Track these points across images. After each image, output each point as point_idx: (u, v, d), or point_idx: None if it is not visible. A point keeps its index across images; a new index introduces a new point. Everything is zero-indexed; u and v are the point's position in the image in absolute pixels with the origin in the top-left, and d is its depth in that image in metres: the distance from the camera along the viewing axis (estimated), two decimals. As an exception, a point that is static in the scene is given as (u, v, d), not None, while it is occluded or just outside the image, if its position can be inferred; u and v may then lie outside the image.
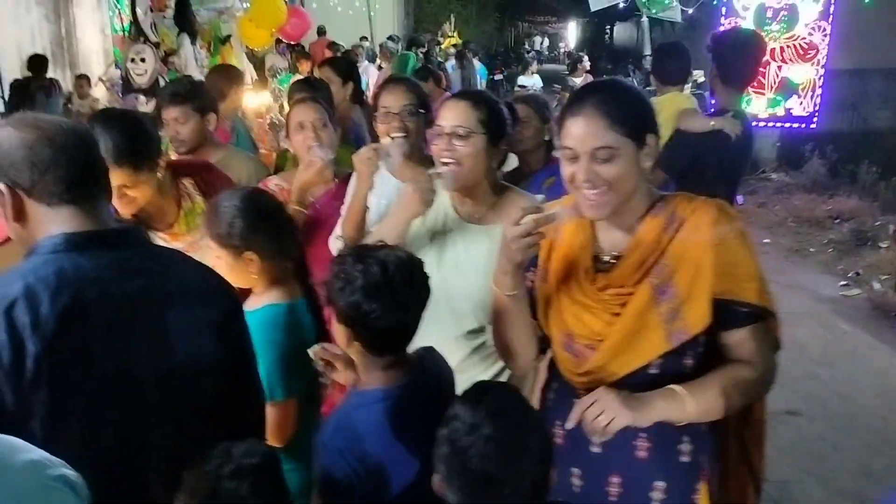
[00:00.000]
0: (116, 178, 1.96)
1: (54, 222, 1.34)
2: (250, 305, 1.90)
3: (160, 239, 2.26)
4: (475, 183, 2.02)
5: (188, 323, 1.43)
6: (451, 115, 2.00)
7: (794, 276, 6.19)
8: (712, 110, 3.68)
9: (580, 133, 1.54)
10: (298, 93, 3.73)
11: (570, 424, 1.48)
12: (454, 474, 1.25)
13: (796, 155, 9.12)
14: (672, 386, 1.52)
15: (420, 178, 2.02)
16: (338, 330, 1.57)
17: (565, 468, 1.64)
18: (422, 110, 2.38)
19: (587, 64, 12.42)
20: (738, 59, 3.39)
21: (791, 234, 7.38)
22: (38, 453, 0.92)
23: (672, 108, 3.64)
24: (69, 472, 0.93)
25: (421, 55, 12.50)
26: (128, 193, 2.09)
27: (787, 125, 8.33)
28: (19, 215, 1.35)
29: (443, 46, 16.50)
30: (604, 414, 1.45)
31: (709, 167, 3.29)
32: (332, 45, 10.02)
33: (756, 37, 3.76)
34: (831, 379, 4.44)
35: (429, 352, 1.70)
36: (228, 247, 1.89)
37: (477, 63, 11.91)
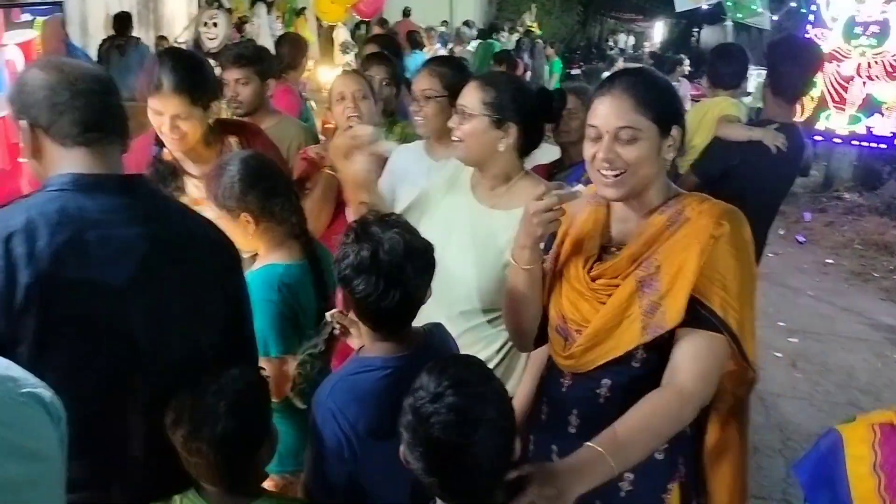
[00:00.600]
0: (172, 107, 2.20)
1: (66, 161, 1.39)
2: (253, 266, 1.98)
3: (194, 185, 2.35)
4: (478, 163, 2.06)
5: (186, 273, 1.47)
6: (461, 95, 2.07)
7: (852, 299, 5.97)
8: (757, 120, 3.53)
9: (606, 112, 1.56)
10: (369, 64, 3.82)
11: None
12: (417, 442, 1.27)
13: (873, 176, 8.74)
14: (596, 447, 1.41)
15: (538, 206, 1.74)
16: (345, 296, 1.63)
17: (546, 445, 1.68)
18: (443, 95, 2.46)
19: (686, 68, 11.95)
20: (790, 68, 3.22)
21: (856, 257, 7.09)
22: (15, 370, 0.94)
23: (716, 112, 3.53)
24: (44, 392, 0.95)
25: (505, 41, 12.50)
26: (180, 126, 2.22)
27: (867, 144, 7.99)
28: (36, 152, 1.42)
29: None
30: None
31: (743, 179, 3.12)
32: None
33: (812, 47, 3.58)
34: (872, 408, 4.27)
35: (437, 327, 1.73)
36: (224, 208, 1.97)
37: (552, 55, 11.78)
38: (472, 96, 2.04)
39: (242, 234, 1.97)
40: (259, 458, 1.52)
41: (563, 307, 1.67)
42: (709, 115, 3.61)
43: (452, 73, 2.52)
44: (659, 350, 1.55)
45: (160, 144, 2.36)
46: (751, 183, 3.10)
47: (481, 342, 2.06)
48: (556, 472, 1.35)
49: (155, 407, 1.41)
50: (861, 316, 5.68)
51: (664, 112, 1.56)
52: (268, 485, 1.66)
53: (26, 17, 4.08)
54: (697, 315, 1.52)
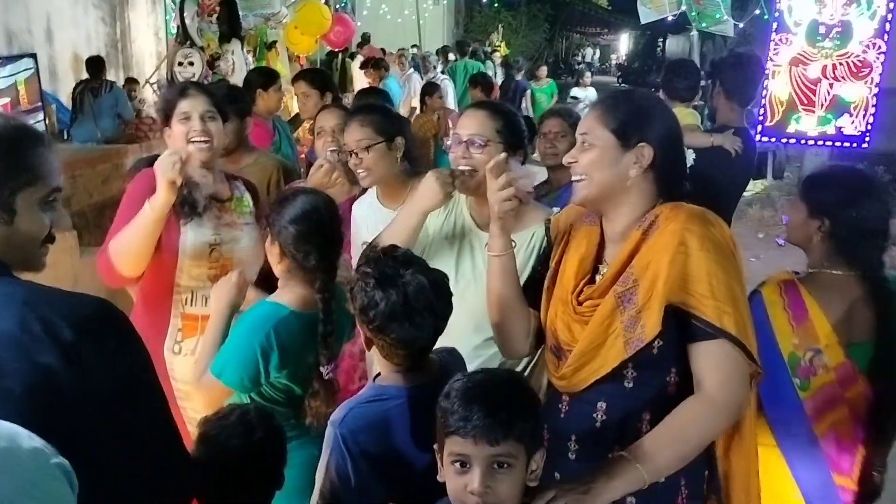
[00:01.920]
0: (200, 104, 2.37)
1: None
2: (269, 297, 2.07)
3: (216, 210, 2.45)
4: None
5: None
6: (469, 124, 2.05)
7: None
8: (712, 127, 3.77)
9: (584, 120, 1.72)
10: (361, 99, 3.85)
11: None
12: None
13: (846, 175, 8.85)
14: (623, 454, 1.50)
15: (441, 171, 2.07)
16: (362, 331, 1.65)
17: (549, 470, 1.66)
18: (380, 140, 2.40)
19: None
20: (742, 77, 3.56)
21: (836, 256, 7.17)
22: (38, 440, 0.92)
23: None
24: (64, 461, 0.92)
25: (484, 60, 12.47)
26: (209, 126, 2.37)
27: (838, 144, 8.11)
28: None
29: (493, 56, 16.52)
30: None
31: (708, 183, 3.24)
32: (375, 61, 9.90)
33: (756, 57, 3.90)
34: None
35: (451, 353, 1.77)
36: (266, 227, 2.07)
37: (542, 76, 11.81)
38: (483, 125, 2.04)
39: (273, 261, 2.04)
40: None
41: (557, 328, 1.69)
42: None
43: (381, 118, 2.47)
44: (651, 368, 1.57)
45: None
46: (714, 187, 3.22)
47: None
48: (585, 476, 1.45)
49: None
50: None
51: (627, 126, 1.63)
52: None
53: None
54: (693, 328, 1.53)
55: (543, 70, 11.96)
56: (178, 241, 2.36)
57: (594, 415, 1.63)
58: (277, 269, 2.05)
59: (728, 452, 1.66)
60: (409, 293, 1.53)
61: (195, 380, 2.03)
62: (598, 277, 1.68)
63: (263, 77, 4.31)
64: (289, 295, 2.01)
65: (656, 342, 1.55)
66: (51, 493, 0.87)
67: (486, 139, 2.00)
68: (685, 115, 3.83)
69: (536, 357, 2.04)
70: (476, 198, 2.10)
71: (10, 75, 4.31)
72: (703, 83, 4.49)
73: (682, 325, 1.54)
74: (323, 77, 4.44)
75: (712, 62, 3.76)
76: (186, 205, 2.34)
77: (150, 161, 2.42)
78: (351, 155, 2.40)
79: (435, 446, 1.44)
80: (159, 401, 1.28)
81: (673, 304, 1.52)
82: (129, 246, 2.29)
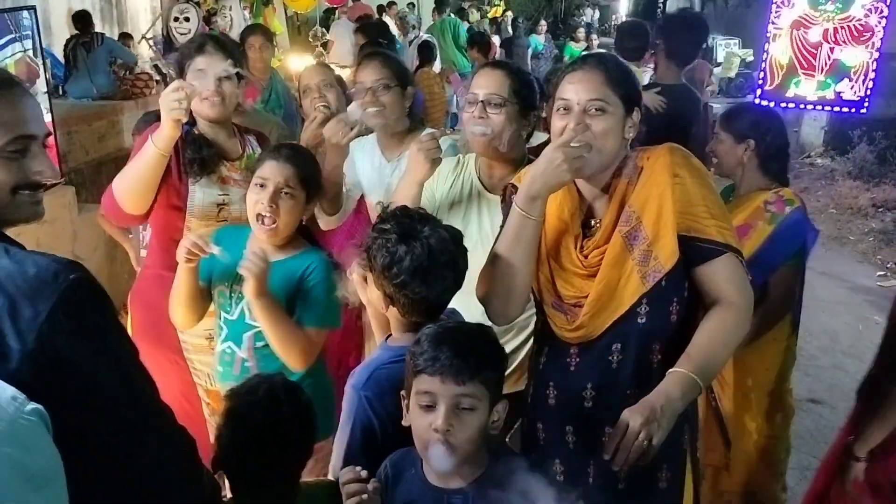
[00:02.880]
0: (217, 64, 2.31)
1: None
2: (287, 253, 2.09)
3: (225, 168, 2.42)
4: (504, 151, 2.06)
5: None
6: (486, 83, 2.05)
7: (830, 264, 6.06)
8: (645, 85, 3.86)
9: (576, 86, 1.64)
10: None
11: (607, 456, 1.47)
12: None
13: (844, 140, 8.86)
14: (675, 370, 1.55)
15: (422, 140, 2.08)
16: (372, 293, 1.66)
17: (559, 427, 1.74)
18: (397, 84, 2.45)
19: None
20: (684, 38, 3.71)
21: (831, 221, 7.21)
22: (10, 389, 0.91)
23: None
24: (38, 406, 0.92)
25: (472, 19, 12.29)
26: (223, 86, 2.32)
27: (837, 109, 8.09)
28: None
29: (489, 15, 16.31)
30: (642, 436, 1.44)
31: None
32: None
33: (701, 19, 4.20)
34: (858, 371, 4.36)
35: (453, 314, 1.78)
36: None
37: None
38: (500, 84, 2.03)
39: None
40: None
41: (557, 287, 1.72)
42: None
43: (398, 65, 2.55)
44: (660, 299, 1.63)
45: (189, 123, 2.37)
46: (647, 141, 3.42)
47: (513, 330, 2.10)
48: (646, 402, 1.48)
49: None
50: (840, 280, 5.79)
51: (629, 92, 1.66)
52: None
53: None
54: (699, 250, 1.61)
55: (543, 26, 11.89)
56: (187, 199, 2.36)
57: (609, 357, 1.67)
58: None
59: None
60: (433, 246, 1.56)
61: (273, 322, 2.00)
62: (588, 231, 1.71)
63: (254, 33, 4.32)
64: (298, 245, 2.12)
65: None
66: (33, 437, 0.88)
67: (504, 98, 2.01)
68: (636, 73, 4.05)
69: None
70: (486, 160, 2.12)
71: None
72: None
73: (684, 251, 1.61)
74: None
75: (659, 21, 3.91)
76: (195, 164, 2.33)
77: (159, 116, 2.42)
78: (366, 92, 2.41)
79: (402, 392, 1.48)
80: (138, 376, 1.19)
81: (679, 232, 1.59)
82: (132, 182, 2.27)
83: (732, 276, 1.63)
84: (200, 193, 2.37)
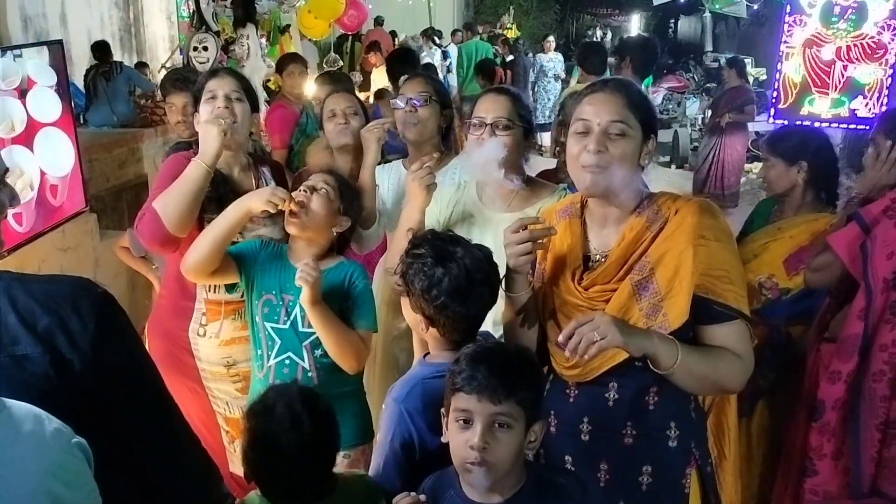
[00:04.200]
0: (227, 84, 2.43)
1: None
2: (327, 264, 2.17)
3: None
4: (508, 172, 2.09)
5: None
6: (493, 108, 2.12)
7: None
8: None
9: (597, 107, 1.63)
10: (322, 86, 4.01)
11: (561, 338, 1.51)
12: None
13: (859, 157, 8.80)
14: (671, 336, 1.58)
15: (413, 171, 2.18)
16: (410, 315, 1.71)
17: (559, 455, 1.75)
18: (436, 101, 2.63)
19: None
20: (646, 56, 4.54)
21: (849, 239, 7.15)
22: (56, 421, 0.93)
23: None
24: (81, 440, 0.93)
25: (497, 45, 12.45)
26: (234, 107, 2.41)
27: (851, 127, 8.06)
28: None
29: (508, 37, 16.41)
30: (597, 332, 1.46)
31: None
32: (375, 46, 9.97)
33: (656, 43, 5.09)
34: None
35: (487, 336, 1.82)
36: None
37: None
38: (507, 108, 2.13)
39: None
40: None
41: (559, 321, 1.71)
42: None
43: (440, 86, 2.68)
44: None
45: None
46: None
47: None
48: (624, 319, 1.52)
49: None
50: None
51: (648, 118, 1.66)
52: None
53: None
54: (711, 311, 1.60)
55: (550, 43, 11.99)
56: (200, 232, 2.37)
57: (606, 395, 1.68)
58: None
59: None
60: (468, 266, 1.61)
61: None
62: (590, 265, 1.72)
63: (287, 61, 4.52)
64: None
65: None
66: (74, 473, 0.89)
67: (510, 122, 2.08)
68: None
69: None
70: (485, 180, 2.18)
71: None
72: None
73: (694, 308, 1.60)
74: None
75: (621, 41, 4.47)
76: (211, 202, 2.36)
77: (187, 146, 2.47)
78: (407, 102, 2.53)
79: (442, 410, 1.51)
80: (154, 385, 1.21)
81: (694, 291, 1.59)
82: (178, 201, 2.26)
83: (740, 340, 1.64)
84: None
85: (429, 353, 1.77)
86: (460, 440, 1.43)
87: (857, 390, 2.26)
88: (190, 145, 2.34)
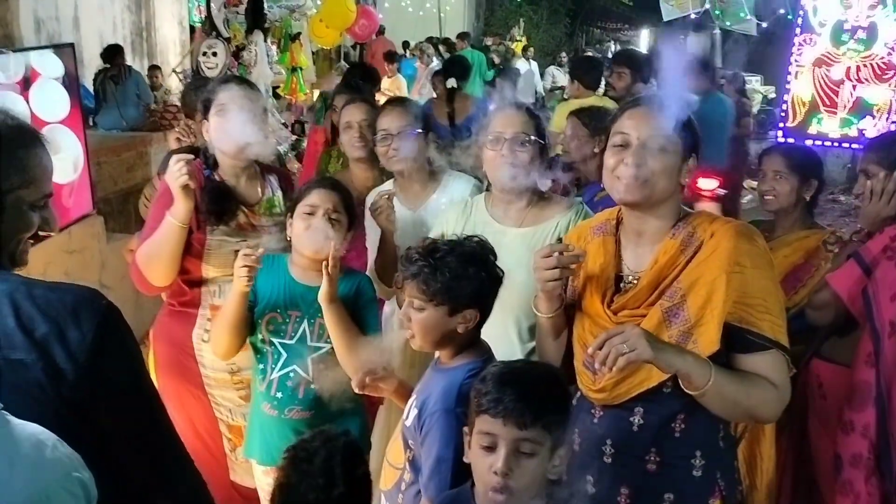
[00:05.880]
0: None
1: None
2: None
3: (244, 215, 2.45)
4: (525, 186, 2.12)
5: None
6: (512, 123, 2.11)
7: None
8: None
9: (638, 121, 1.60)
10: (340, 94, 3.97)
11: (591, 350, 1.47)
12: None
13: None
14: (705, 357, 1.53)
15: (371, 208, 2.33)
16: (431, 319, 1.67)
17: (581, 474, 1.70)
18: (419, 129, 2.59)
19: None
20: (592, 75, 4.93)
21: (856, 259, 7.13)
22: (65, 449, 0.92)
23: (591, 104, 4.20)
24: (85, 476, 0.92)
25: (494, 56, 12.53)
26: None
27: (860, 147, 8.04)
28: None
29: (515, 50, 16.47)
30: (627, 344, 1.42)
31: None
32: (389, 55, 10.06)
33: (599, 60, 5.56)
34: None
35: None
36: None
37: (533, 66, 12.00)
38: (526, 124, 2.12)
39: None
40: None
41: (587, 341, 1.67)
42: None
43: (418, 109, 2.65)
44: None
45: (210, 167, 2.43)
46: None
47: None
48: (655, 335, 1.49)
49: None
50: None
51: (688, 136, 1.61)
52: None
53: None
54: (746, 341, 1.56)
55: (564, 57, 12.06)
56: (205, 244, 2.38)
57: (631, 419, 1.65)
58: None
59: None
60: (465, 249, 1.69)
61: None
62: (622, 286, 1.69)
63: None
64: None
65: None
66: None
67: (530, 137, 2.08)
68: (595, 99, 4.66)
69: None
70: (501, 196, 2.18)
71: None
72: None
73: (728, 337, 1.56)
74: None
75: (572, 62, 4.41)
76: (213, 215, 2.36)
77: (182, 152, 2.47)
78: (385, 138, 2.53)
79: (465, 428, 1.48)
80: (150, 407, 1.21)
81: (729, 320, 1.55)
82: (155, 257, 2.31)
83: (776, 370, 1.58)
84: (217, 243, 2.39)
85: (438, 359, 1.77)
86: (484, 464, 1.40)
87: (884, 443, 2.12)
88: (191, 151, 2.33)
